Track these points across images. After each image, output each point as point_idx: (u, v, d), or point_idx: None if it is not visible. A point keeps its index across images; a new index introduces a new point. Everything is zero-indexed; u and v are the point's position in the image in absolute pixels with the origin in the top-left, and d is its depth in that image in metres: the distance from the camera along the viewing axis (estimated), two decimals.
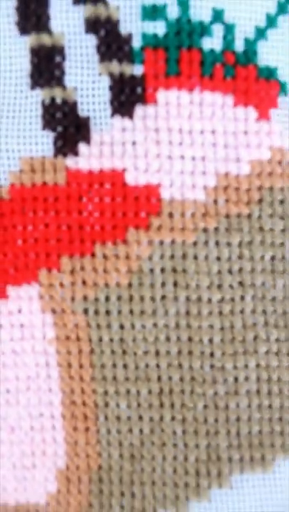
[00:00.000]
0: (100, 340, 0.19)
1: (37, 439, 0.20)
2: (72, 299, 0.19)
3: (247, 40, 0.19)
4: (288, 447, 0.20)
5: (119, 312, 0.19)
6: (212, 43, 0.19)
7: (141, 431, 0.19)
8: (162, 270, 0.19)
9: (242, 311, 0.19)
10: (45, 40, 0.19)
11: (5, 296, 0.19)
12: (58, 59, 0.19)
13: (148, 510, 0.20)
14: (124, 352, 0.19)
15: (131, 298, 0.19)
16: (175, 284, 0.19)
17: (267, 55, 0.19)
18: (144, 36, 0.18)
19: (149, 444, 0.19)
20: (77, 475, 0.20)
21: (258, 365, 0.19)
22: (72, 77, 0.19)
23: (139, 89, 0.18)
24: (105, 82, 0.19)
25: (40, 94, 0.19)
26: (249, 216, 0.19)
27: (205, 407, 0.19)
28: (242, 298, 0.19)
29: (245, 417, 0.19)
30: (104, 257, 0.19)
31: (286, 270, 0.19)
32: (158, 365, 0.19)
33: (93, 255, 0.19)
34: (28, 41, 0.19)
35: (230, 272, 0.19)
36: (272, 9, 0.19)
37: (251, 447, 0.19)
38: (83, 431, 0.19)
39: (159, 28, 0.18)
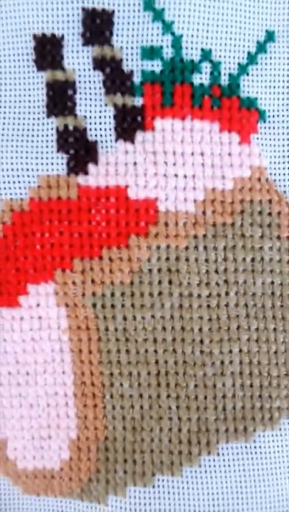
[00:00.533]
0: (106, 329, 0.22)
1: (52, 414, 0.23)
2: (83, 294, 0.22)
3: (231, 76, 0.22)
4: (267, 420, 0.23)
5: (123, 306, 0.22)
6: (201, 78, 0.22)
7: (141, 407, 0.23)
8: (159, 270, 0.22)
9: (227, 305, 0.22)
10: (59, 76, 0.22)
11: (25, 293, 0.22)
12: (70, 92, 0.22)
13: (147, 474, 0.23)
14: (126, 339, 0.22)
15: (132, 294, 0.22)
16: (170, 282, 0.22)
17: (248, 87, 0.22)
18: (144, 73, 0.22)
19: (148, 418, 0.23)
20: (86, 445, 0.23)
21: (240, 351, 0.23)
22: (82, 107, 0.22)
23: (139, 118, 0.22)
24: (110, 111, 0.22)
25: (54, 122, 0.22)
26: (232, 225, 0.22)
27: (195, 386, 0.23)
28: (226, 293, 0.22)
29: (230, 395, 0.23)
30: (110, 259, 0.22)
31: (264, 270, 0.22)
32: (155, 351, 0.22)
33: (100, 258, 0.22)
34: (45, 76, 0.22)
35: (216, 271, 0.22)
36: (252, 48, 0.22)
37: (235, 420, 0.23)
38: (92, 407, 0.23)
39: (156, 66, 0.22)
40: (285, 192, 0.22)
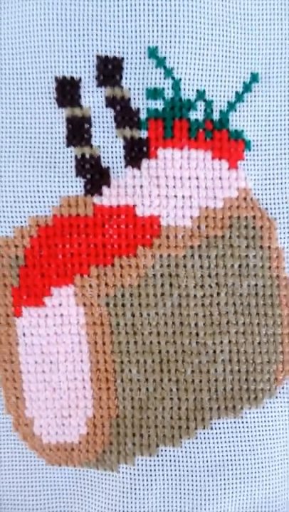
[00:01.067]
0: (118, 324, 0.27)
1: (72, 396, 0.27)
2: (98, 295, 0.26)
3: (221, 112, 0.26)
4: (252, 400, 0.27)
5: (131, 305, 0.27)
6: (196, 114, 0.26)
7: (147, 389, 0.27)
8: (161, 275, 0.26)
9: (218, 304, 0.27)
10: (77, 112, 0.26)
11: (49, 294, 0.27)
12: (86, 126, 0.26)
13: (152, 445, 0.27)
14: (134, 333, 0.27)
15: (139, 295, 0.27)
16: (170, 285, 0.27)
17: (236, 122, 0.27)
18: (148, 110, 0.26)
19: (153, 399, 0.27)
20: (101, 421, 0.27)
21: (229, 342, 0.27)
22: (97, 139, 0.26)
23: (144, 148, 0.26)
24: (120, 142, 0.26)
25: (73, 151, 0.26)
26: (223, 237, 0.27)
27: (192, 371, 0.27)
28: (218, 294, 0.27)
29: (221, 378, 0.27)
30: (121, 266, 0.26)
31: (249, 275, 0.27)
32: (159, 342, 0.27)
33: (113, 265, 0.26)
34: (65, 112, 0.26)
35: (209, 276, 0.27)
36: (239, 88, 0.27)
37: (225, 400, 0.27)
38: (105, 390, 0.27)
39: (158, 104, 0.26)
40: (266, 209, 0.27)
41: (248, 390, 0.27)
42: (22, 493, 0.29)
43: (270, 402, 0.27)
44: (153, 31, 0.25)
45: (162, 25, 0.25)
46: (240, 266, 0.27)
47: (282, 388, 0.28)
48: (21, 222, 0.26)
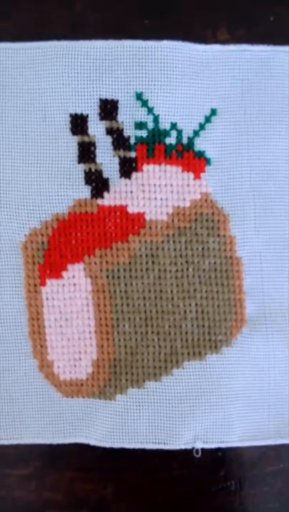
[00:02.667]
0: (115, 291, 0.37)
1: (81, 344, 0.37)
2: (101, 270, 0.37)
3: (189, 138, 0.37)
4: (213, 348, 0.37)
5: (124, 277, 0.37)
6: (170, 140, 0.36)
7: (136, 339, 0.37)
8: (146, 255, 0.37)
9: (187, 276, 0.37)
10: (85, 139, 0.36)
11: (66, 269, 0.37)
12: (92, 148, 0.36)
13: (140, 381, 0.37)
14: (127, 297, 0.37)
15: (130, 269, 0.37)
16: (152, 262, 0.37)
17: (199, 145, 0.37)
18: (136, 137, 0.36)
19: (140, 346, 0.37)
20: (102, 363, 0.37)
21: (196, 304, 0.37)
22: (100, 157, 0.36)
23: (133, 164, 0.36)
24: (116, 160, 0.36)
25: (83, 166, 0.36)
26: (190, 227, 0.37)
27: (169, 326, 0.37)
28: (187, 269, 0.37)
29: (190, 331, 0.37)
30: (117, 249, 0.37)
31: (210, 255, 0.37)
32: (144, 304, 0.37)
33: (111, 248, 0.36)
34: (76, 139, 0.36)
35: (180, 256, 0.37)
36: (202, 120, 0.37)
37: (193, 347, 0.37)
38: (106, 339, 0.37)
39: (143, 133, 0.36)
40: (222, 207, 0.37)
41: (210, 340, 0.37)
42: (44, 420, 0.39)
43: (226, 350, 0.37)
44: (139, 82, 0.36)
45: (145, 77, 0.36)
46: (202, 249, 0.37)
47: (236, 340, 0.38)
48: (45, 217, 0.37)
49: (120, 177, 0.36)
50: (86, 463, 0.40)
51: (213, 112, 0.37)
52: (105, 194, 0.36)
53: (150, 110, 0.36)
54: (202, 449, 0.38)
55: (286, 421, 0.38)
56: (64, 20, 0.39)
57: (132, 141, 0.36)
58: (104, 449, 0.39)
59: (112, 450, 0.39)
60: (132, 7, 0.39)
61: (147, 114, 0.36)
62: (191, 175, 0.37)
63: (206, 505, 0.41)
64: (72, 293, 0.37)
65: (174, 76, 0.36)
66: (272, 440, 0.39)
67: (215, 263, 0.37)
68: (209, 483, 0.41)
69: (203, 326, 0.37)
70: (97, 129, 0.36)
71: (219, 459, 0.40)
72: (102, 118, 0.36)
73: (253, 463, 0.41)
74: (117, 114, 0.36)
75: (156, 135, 0.36)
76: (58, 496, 0.41)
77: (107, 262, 0.37)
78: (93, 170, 0.36)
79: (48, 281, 0.37)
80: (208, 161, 0.37)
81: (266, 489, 0.41)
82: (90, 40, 0.36)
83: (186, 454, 0.39)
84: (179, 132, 0.37)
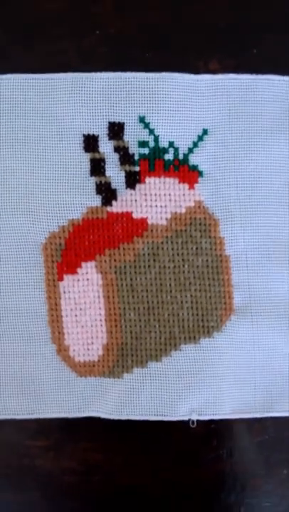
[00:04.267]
0: (122, 285, 0.43)
1: (94, 330, 0.43)
2: (110, 267, 0.43)
3: (184, 154, 0.43)
4: (206, 333, 0.43)
5: (130, 272, 0.43)
6: (168, 156, 0.43)
7: (140, 326, 0.43)
8: (148, 254, 0.43)
9: (183, 272, 0.43)
10: (96, 155, 0.43)
11: (80, 266, 0.43)
12: (102, 164, 0.43)
13: (143, 361, 0.43)
14: (132, 290, 0.43)
15: (135, 266, 0.43)
16: (154, 260, 0.43)
17: (193, 160, 0.43)
18: (139, 154, 0.42)
19: (144, 332, 0.43)
20: (112, 346, 0.43)
21: (191, 296, 0.43)
22: (109, 171, 0.43)
23: (137, 177, 0.42)
24: (123, 173, 0.43)
25: (94, 179, 0.43)
26: (185, 230, 0.43)
27: (168, 314, 0.43)
28: (183, 265, 0.43)
29: (186, 319, 0.43)
30: (124, 249, 0.43)
31: (203, 253, 0.43)
32: (147, 296, 0.43)
33: (119, 248, 0.43)
34: (89, 155, 0.43)
35: (178, 254, 0.43)
36: (195, 139, 0.43)
37: (189, 332, 0.43)
38: (114, 326, 0.43)
39: (145, 151, 0.42)
40: (213, 213, 0.43)
41: (203, 326, 0.43)
42: (61, 397, 0.44)
43: (217, 335, 0.43)
44: (142, 107, 0.42)
45: (147, 103, 0.42)
46: (196, 248, 0.43)
47: (225, 326, 0.44)
48: (63, 222, 0.43)
49: (126, 188, 0.43)
50: (97, 435, 0.46)
51: (205, 131, 0.43)
52: (113, 202, 0.43)
53: (151, 131, 0.42)
54: (197, 421, 0.44)
55: (270, 396, 0.44)
56: (77, 52, 0.45)
57: (136, 157, 0.43)
58: (112, 422, 0.44)
59: (119, 423, 0.44)
60: (135, 42, 0.45)
61: (149, 135, 0.42)
62: (186, 186, 0.43)
63: (200, 471, 0.47)
64: (86, 286, 0.43)
65: (171, 102, 0.42)
66: (258, 413, 0.45)
67: (207, 260, 0.43)
68: (203, 452, 0.46)
69: (197, 314, 0.43)
70: (106, 147, 0.43)
71: (212, 431, 0.46)
72: (110, 138, 0.43)
73: (242, 434, 0.47)
74: (123, 134, 0.42)
75: (157, 152, 0.43)
76: (73, 464, 0.46)
77: (115, 260, 0.43)
78: (103, 182, 0.43)
79: (65, 277, 0.43)
80: (200, 174, 0.43)
81: (253, 457, 0.47)
82: (100, 71, 0.43)
83: (184, 426, 0.45)
84: (176, 149, 0.43)
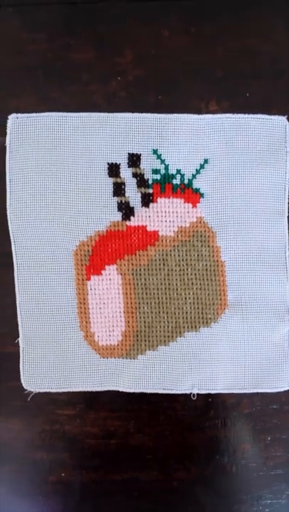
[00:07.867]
0: (137, 284, 0.53)
1: (115, 320, 0.53)
2: (128, 269, 0.53)
3: (188, 180, 0.53)
4: (205, 323, 0.53)
5: (144, 274, 0.53)
6: (176, 181, 0.53)
7: (152, 317, 0.53)
8: (159, 259, 0.53)
9: (187, 274, 0.53)
10: (118, 180, 0.53)
11: (104, 269, 0.53)
12: (122, 187, 0.53)
13: (154, 345, 0.53)
14: (146, 288, 0.53)
15: (148, 269, 0.53)
16: (163, 264, 0.53)
17: (196, 184, 0.53)
18: (153, 179, 0.52)
19: (155, 322, 0.53)
20: (129, 333, 0.53)
21: (193, 293, 0.53)
22: (128, 193, 0.53)
23: (151, 198, 0.53)
24: (139, 195, 0.53)
25: (116, 199, 0.53)
26: (189, 241, 0.53)
27: (174, 308, 0.53)
28: (186, 269, 0.53)
29: (189, 312, 0.53)
30: (139, 255, 0.53)
31: (203, 259, 0.53)
32: (158, 293, 0.53)
33: (135, 254, 0.53)
34: (112, 180, 0.53)
35: (183, 260, 0.53)
36: (198, 167, 0.53)
37: (191, 322, 0.53)
38: (131, 317, 0.53)
39: (157, 176, 0.53)
40: (211, 227, 0.53)
41: (202, 317, 0.53)
42: (87, 374, 0.54)
43: (214, 325, 0.53)
44: (155, 142, 0.52)
45: (160, 139, 0.52)
46: (198, 255, 0.53)
47: (221, 318, 0.54)
48: (90, 233, 0.53)
49: (142, 206, 0.53)
50: (115, 405, 0.55)
51: (206, 161, 0.53)
52: (131, 218, 0.53)
53: (162, 161, 0.53)
54: (197, 395, 0.54)
55: (257, 376, 0.54)
56: (103, 95, 0.55)
57: (150, 181, 0.53)
58: (128, 394, 0.53)
59: (134, 395, 0.53)
60: (150, 87, 0.55)
61: (160, 164, 0.53)
62: (190, 205, 0.53)
63: (199, 437, 0.56)
64: (108, 285, 0.53)
65: (179, 137, 0.52)
66: (247, 390, 0.54)
67: (206, 265, 0.53)
68: (202, 421, 0.55)
69: (198, 308, 0.53)
70: (126, 173, 0.53)
71: (209, 403, 0.55)
72: (129, 166, 0.53)
73: (234, 407, 0.55)
74: (140, 163, 0.53)
75: (167, 178, 0.53)
76: (95, 429, 0.55)
77: (132, 264, 0.53)
78: (123, 201, 0.53)
79: (92, 277, 0.53)
80: (202, 195, 0.53)
81: (243, 426, 0.56)
82: (122, 111, 0.53)
83: (186, 398, 0.54)
84: (182, 176, 0.53)
